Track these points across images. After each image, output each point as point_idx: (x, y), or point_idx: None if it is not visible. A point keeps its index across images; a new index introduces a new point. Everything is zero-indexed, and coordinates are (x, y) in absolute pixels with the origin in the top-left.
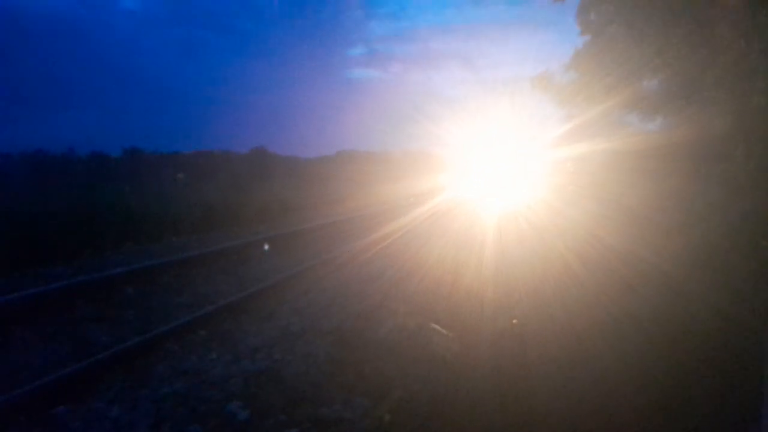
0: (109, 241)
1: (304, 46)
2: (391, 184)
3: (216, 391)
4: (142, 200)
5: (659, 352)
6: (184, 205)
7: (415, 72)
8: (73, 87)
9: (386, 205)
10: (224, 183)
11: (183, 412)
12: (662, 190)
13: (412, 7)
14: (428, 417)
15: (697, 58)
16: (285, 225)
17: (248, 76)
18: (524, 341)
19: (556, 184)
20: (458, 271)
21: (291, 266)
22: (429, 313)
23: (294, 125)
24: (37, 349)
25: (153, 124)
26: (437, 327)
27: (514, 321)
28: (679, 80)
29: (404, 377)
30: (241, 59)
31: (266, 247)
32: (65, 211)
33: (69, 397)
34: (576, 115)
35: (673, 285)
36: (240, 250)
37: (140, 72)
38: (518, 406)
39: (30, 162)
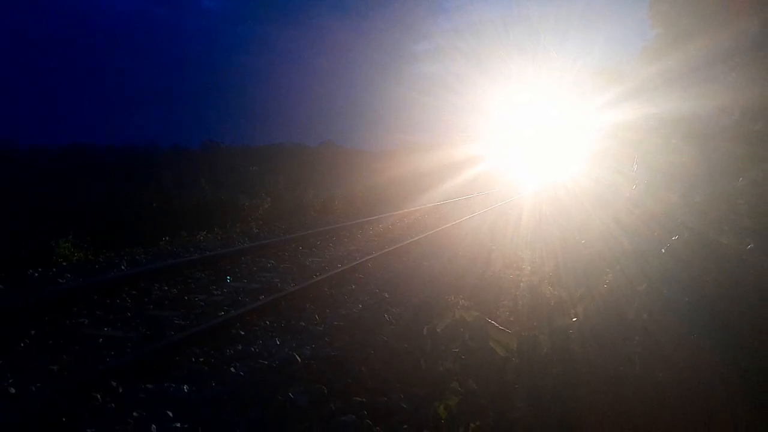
0: (186, 229)
1: (375, 41)
2: (452, 174)
3: (277, 376)
4: (217, 192)
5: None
6: (255, 196)
7: (477, 66)
8: (156, 83)
9: (446, 197)
10: (294, 174)
11: (246, 395)
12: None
13: (479, 1)
14: (483, 413)
15: None
16: (348, 216)
17: (319, 72)
18: (584, 336)
19: (623, 174)
20: (521, 267)
21: (354, 257)
22: (487, 308)
23: (361, 119)
24: (117, 329)
25: (229, 118)
26: (494, 323)
27: (574, 319)
28: (758, 65)
29: (460, 372)
30: (312, 54)
31: (330, 237)
32: (146, 201)
33: (144, 377)
34: (646, 108)
35: None
36: (306, 240)
37: (217, 68)
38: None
39: (117, 154)
